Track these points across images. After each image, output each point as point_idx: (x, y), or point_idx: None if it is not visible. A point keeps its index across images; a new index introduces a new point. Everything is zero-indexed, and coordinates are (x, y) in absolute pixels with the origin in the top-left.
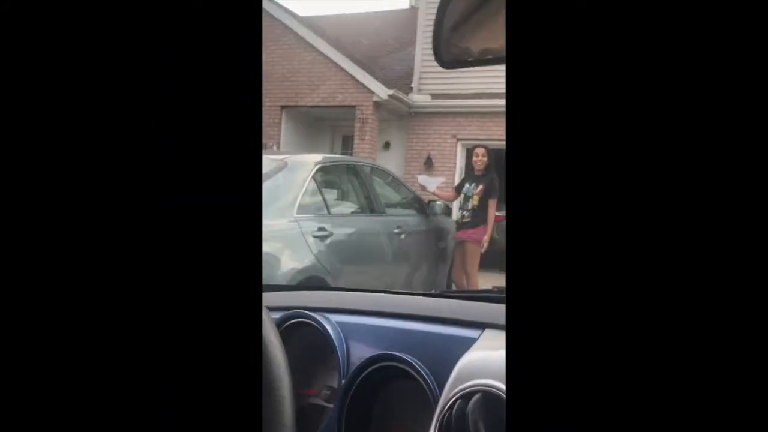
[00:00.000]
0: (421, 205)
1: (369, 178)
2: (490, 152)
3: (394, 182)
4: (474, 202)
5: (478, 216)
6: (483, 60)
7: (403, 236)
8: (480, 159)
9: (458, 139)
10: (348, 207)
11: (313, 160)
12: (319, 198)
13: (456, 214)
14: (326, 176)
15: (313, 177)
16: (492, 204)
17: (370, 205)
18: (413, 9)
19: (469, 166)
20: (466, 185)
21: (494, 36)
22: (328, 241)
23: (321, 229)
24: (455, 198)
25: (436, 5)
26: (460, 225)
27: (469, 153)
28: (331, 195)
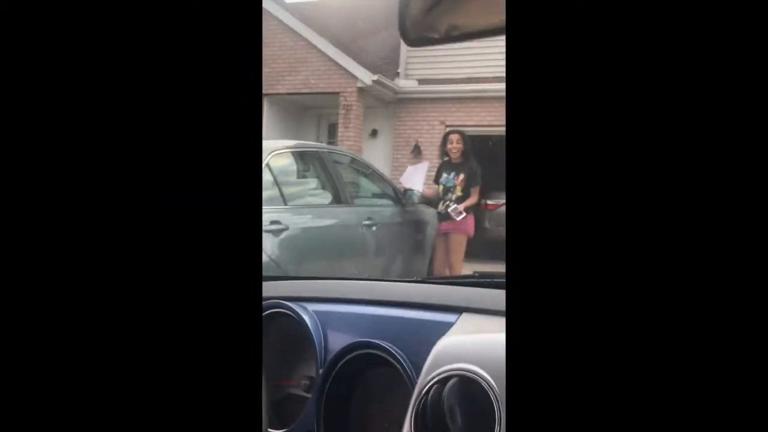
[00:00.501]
0: (398, 196)
1: (336, 167)
2: (466, 137)
3: (367, 170)
4: (457, 192)
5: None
6: (450, 37)
7: (374, 228)
8: (455, 146)
9: (446, 126)
10: (310, 198)
11: (268, 146)
12: (274, 189)
13: (439, 206)
14: (284, 165)
15: (267, 165)
16: (475, 192)
17: (337, 196)
18: None
19: (443, 153)
20: (444, 175)
21: (461, 12)
22: (282, 235)
23: (274, 222)
24: (437, 192)
25: None
26: (444, 216)
27: (443, 140)
28: (290, 185)
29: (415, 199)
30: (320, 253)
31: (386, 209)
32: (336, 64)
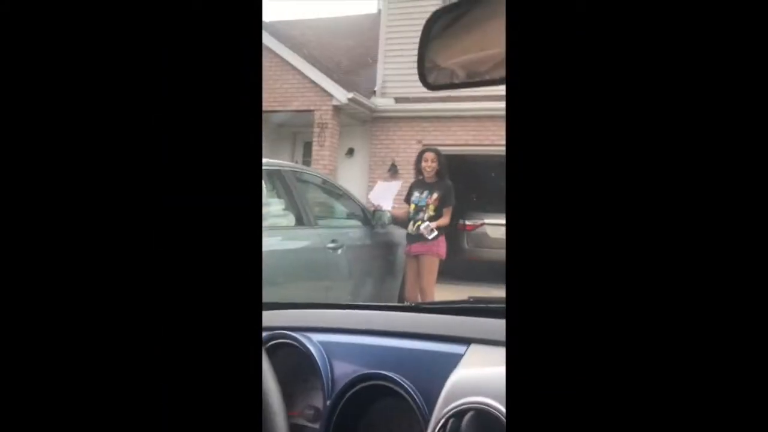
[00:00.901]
0: (367, 217)
1: (300, 187)
2: (441, 156)
3: (335, 190)
4: (430, 212)
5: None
6: (469, 82)
7: (339, 251)
8: (430, 164)
9: (423, 145)
10: (272, 219)
11: None
12: None
13: (410, 227)
14: None
15: None
16: (448, 212)
17: (300, 217)
18: (380, 13)
19: (417, 172)
20: (416, 194)
21: (480, 59)
22: None
23: None
24: (407, 212)
25: (398, 9)
26: (415, 237)
27: (418, 158)
28: None
29: (386, 220)
30: (280, 277)
31: (353, 231)
32: (311, 81)
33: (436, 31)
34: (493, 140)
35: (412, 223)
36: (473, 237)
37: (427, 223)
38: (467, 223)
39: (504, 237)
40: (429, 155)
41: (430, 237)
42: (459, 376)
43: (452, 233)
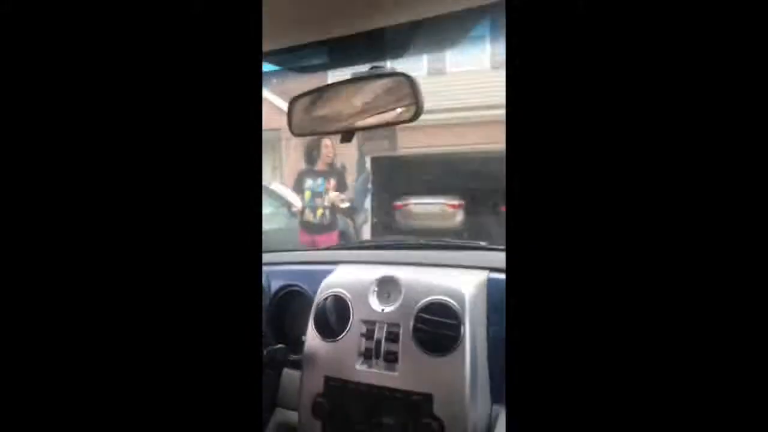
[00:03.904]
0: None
1: None
2: (334, 144)
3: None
4: (331, 197)
5: (335, 216)
6: (319, 131)
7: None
8: (331, 151)
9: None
10: None
11: None
12: None
13: (306, 213)
14: None
15: None
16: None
17: None
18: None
19: (310, 160)
20: (309, 181)
21: (325, 113)
22: None
23: None
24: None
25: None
26: (312, 227)
27: (310, 146)
28: None
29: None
30: None
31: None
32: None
33: (297, 104)
34: (421, 144)
35: (309, 210)
36: (402, 212)
37: (337, 193)
38: (398, 203)
39: (421, 211)
40: (328, 142)
41: (343, 206)
42: (328, 281)
43: (387, 209)
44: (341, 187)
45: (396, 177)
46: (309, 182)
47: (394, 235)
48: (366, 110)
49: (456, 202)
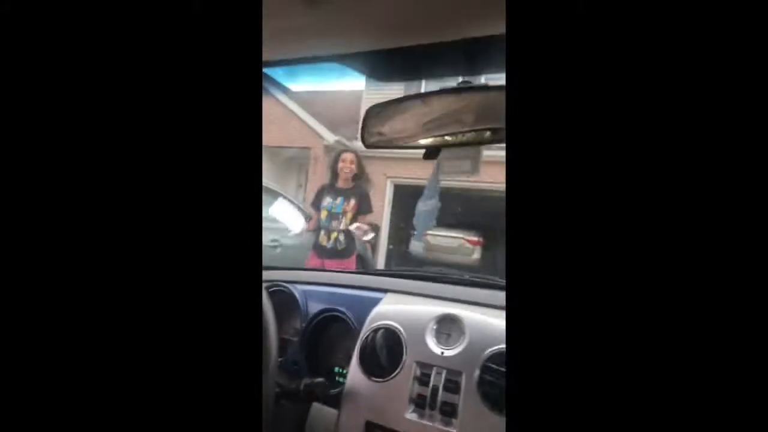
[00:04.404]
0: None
1: None
2: (360, 161)
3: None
4: (347, 220)
5: (352, 241)
6: (396, 145)
7: (278, 250)
8: (348, 166)
9: (387, 177)
10: None
11: None
12: None
13: (321, 236)
14: None
15: None
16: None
17: None
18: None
19: (332, 175)
20: (328, 199)
21: (403, 126)
22: None
23: None
24: (315, 221)
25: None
26: (326, 251)
27: (334, 161)
28: None
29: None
30: None
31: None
32: (309, 127)
33: (373, 112)
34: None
35: (324, 232)
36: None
37: (357, 224)
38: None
39: (439, 244)
40: (348, 156)
41: (366, 239)
42: (377, 310)
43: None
44: (363, 208)
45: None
46: (328, 200)
47: (409, 265)
48: (447, 125)
49: (476, 238)
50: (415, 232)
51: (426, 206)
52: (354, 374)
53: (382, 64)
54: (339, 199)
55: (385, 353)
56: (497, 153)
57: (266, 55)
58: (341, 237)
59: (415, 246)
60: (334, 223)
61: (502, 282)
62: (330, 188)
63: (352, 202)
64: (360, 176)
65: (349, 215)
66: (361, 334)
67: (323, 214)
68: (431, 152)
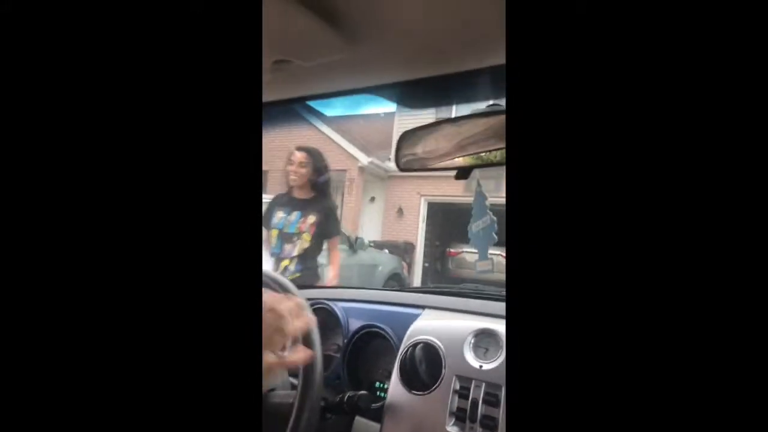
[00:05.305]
0: (350, 241)
1: None
2: (319, 159)
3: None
4: (304, 243)
5: (310, 267)
6: (422, 168)
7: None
8: (296, 169)
9: (421, 195)
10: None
11: None
12: None
13: (272, 265)
14: None
15: None
16: (333, 247)
17: None
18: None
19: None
20: (280, 214)
21: (435, 146)
22: None
23: None
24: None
25: (406, 113)
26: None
27: (287, 163)
28: None
29: (364, 244)
30: None
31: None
32: (345, 150)
33: (406, 137)
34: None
35: (275, 260)
36: (456, 260)
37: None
38: (451, 250)
39: (501, 262)
40: (298, 156)
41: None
42: (416, 326)
43: (441, 257)
44: (327, 228)
45: (450, 224)
46: (280, 215)
47: (445, 283)
48: (477, 145)
49: None
50: (478, 252)
51: (480, 225)
52: (395, 388)
53: (413, 92)
54: (294, 214)
55: (425, 367)
56: None
57: (306, 90)
58: (291, 266)
59: (484, 266)
60: (287, 247)
61: None
62: (283, 198)
63: (311, 218)
64: (321, 183)
65: (306, 237)
66: (401, 349)
67: (273, 234)
68: (463, 172)
